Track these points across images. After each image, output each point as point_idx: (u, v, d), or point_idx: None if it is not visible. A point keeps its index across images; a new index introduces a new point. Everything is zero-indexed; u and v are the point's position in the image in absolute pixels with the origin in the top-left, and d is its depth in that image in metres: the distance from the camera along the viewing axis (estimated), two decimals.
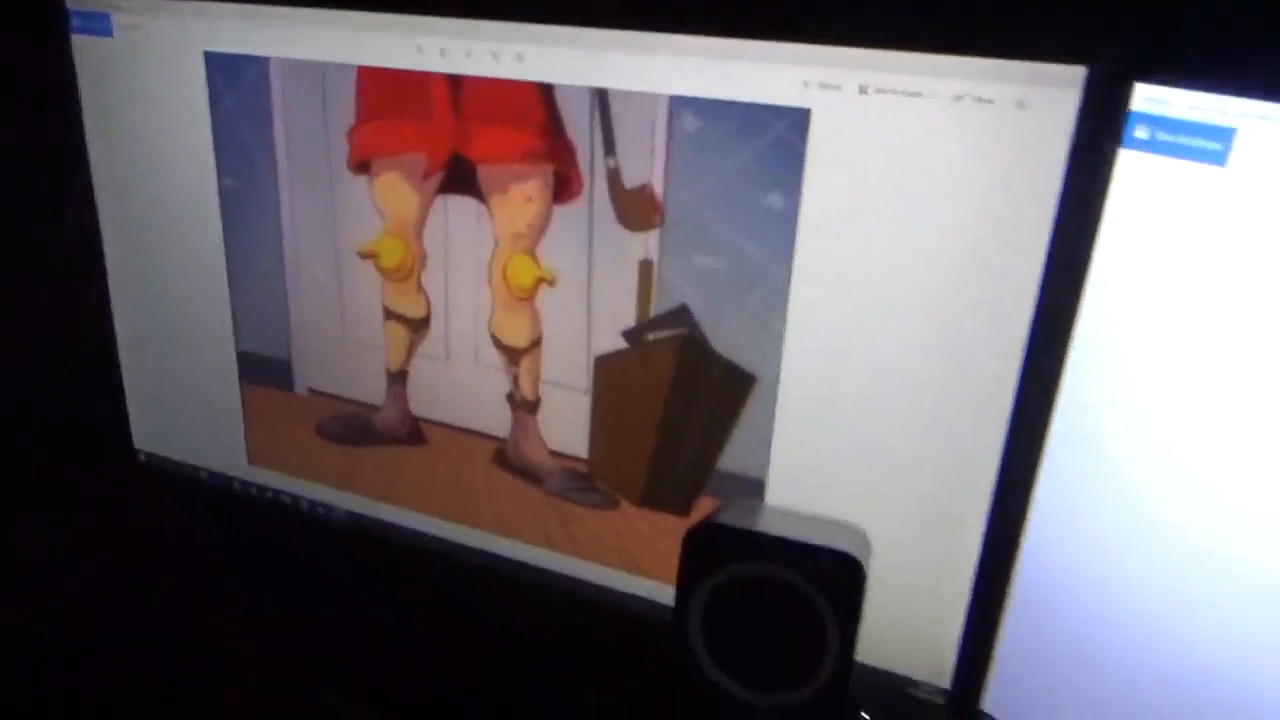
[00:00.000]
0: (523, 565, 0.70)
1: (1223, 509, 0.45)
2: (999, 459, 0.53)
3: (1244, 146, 0.41)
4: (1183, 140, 0.42)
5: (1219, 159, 0.42)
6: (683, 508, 0.63)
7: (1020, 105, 0.48)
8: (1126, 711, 0.51)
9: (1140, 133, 0.44)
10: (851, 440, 0.57)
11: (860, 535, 0.56)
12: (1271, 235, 0.41)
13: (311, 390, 0.73)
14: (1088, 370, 0.49)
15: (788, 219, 0.55)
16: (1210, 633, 0.47)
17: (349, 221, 0.67)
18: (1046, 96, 0.47)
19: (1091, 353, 0.48)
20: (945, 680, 0.59)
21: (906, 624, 0.59)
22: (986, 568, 0.56)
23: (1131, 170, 0.45)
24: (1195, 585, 0.47)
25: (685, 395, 0.61)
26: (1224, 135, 0.41)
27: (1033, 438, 0.52)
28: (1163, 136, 0.43)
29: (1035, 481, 0.52)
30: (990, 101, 0.48)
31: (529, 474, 0.67)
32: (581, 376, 0.63)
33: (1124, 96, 0.44)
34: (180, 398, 0.79)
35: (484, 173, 0.62)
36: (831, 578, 0.51)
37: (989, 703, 0.58)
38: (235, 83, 0.67)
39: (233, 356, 0.74)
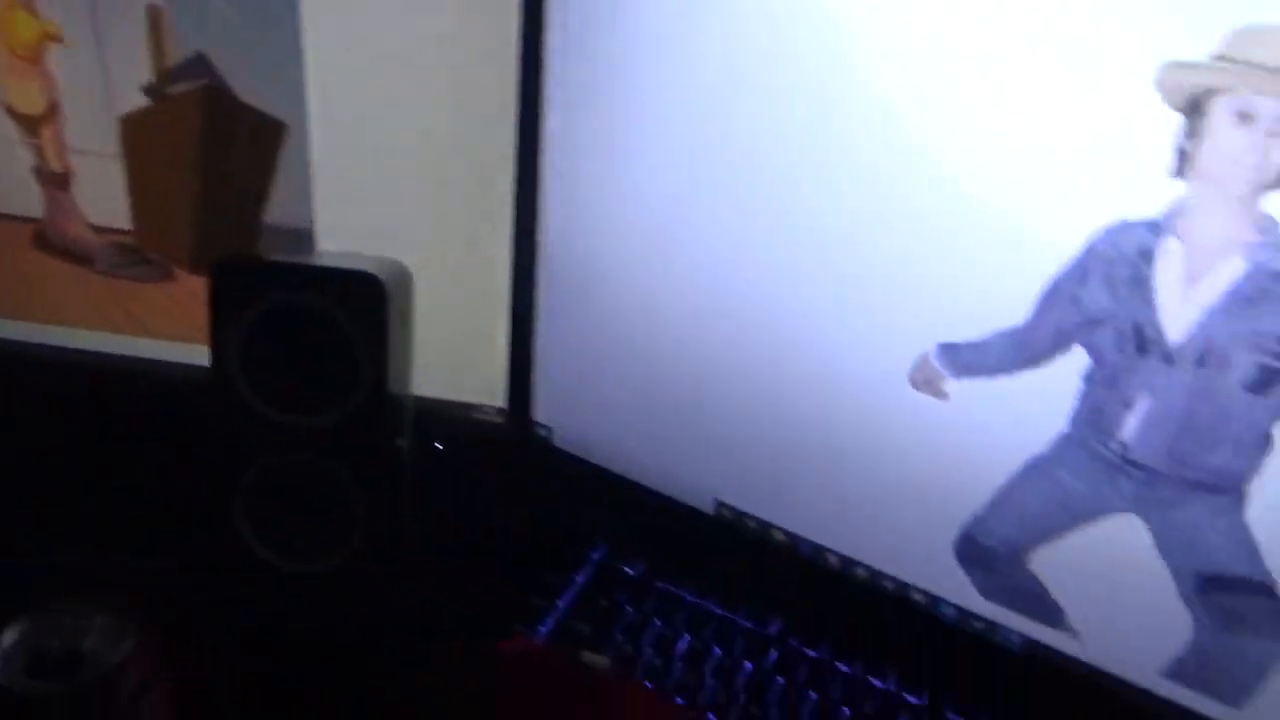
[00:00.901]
0: (86, 353, 0.67)
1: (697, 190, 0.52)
2: (513, 164, 0.58)
3: None
4: None
5: None
6: None
7: None
8: (667, 395, 0.59)
9: None
10: (384, 177, 0.60)
11: (395, 264, 0.59)
12: None
13: None
14: (567, 62, 0.54)
15: None
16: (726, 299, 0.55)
17: None
18: None
19: (568, 49, 0.54)
20: (501, 399, 0.65)
21: (460, 353, 0.64)
22: (517, 280, 0.61)
23: None
24: (693, 257, 0.54)
25: (217, 149, 0.60)
26: None
27: (534, 132, 0.57)
28: None
29: (541, 181, 0.58)
30: None
31: (74, 254, 0.65)
32: (109, 141, 0.61)
33: None
34: None
35: None
36: (353, 297, 0.54)
37: (541, 413, 0.65)
38: None
39: None
